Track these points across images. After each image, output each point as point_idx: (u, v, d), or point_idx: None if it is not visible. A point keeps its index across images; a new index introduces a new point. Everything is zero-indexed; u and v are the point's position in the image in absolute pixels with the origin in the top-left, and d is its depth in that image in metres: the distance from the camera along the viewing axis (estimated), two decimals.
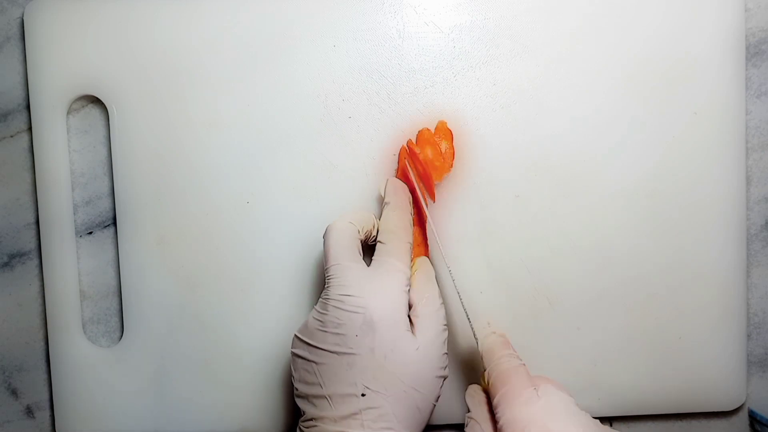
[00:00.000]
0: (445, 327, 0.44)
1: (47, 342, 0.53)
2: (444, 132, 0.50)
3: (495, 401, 0.41)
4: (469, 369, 0.51)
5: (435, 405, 0.43)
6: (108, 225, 0.53)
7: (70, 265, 0.52)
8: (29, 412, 0.54)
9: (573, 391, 0.51)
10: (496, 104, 0.51)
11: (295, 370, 0.43)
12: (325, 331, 0.41)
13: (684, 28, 0.51)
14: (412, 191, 0.48)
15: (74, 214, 0.52)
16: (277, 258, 0.51)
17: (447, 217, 0.51)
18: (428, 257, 0.49)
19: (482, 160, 0.51)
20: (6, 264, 0.54)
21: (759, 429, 0.53)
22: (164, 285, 0.52)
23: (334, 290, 0.42)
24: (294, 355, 0.43)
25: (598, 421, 0.41)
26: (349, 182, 0.51)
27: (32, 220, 0.53)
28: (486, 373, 0.43)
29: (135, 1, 0.51)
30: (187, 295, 0.52)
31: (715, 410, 0.53)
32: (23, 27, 0.51)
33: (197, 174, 0.51)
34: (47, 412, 0.54)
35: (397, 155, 0.51)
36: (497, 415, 0.41)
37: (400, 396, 0.41)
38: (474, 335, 0.47)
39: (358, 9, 0.50)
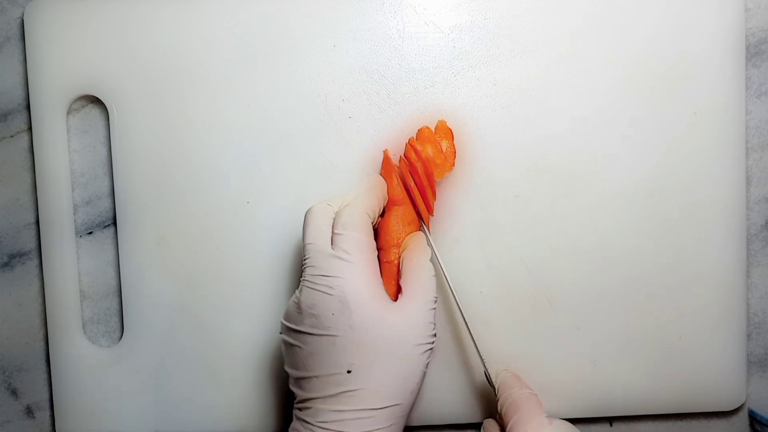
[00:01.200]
0: (435, 298, 0.43)
1: (47, 342, 0.53)
2: (444, 131, 0.50)
3: (508, 428, 0.42)
4: (478, 384, 0.52)
5: (425, 372, 0.42)
6: (108, 225, 0.53)
7: (70, 265, 0.52)
8: (29, 412, 0.54)
9: (573, 391, 0.52)
10: (496, 104, 0.51)
11: (285, 355, 0.43)
12: (302, 313, 0.41)
13: (684, 28, 0.51)
14: (413, 200, 0.48)
15: (74, 214, 0.52)
16: (277, 258, 0.51)
17: (447, 217, 0.51)
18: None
19: (482, 160, 0.51)
20: (6, 264, 0.54)
21: (759, 429, 0.53)
22: (164, 285, 0.51)
23: (307, 271, 0.42)
24: (283, 341, 0.43)
25: None
26: (349, 182, 0.51)
27: (32, 220, 0.53)
28: (499, 403, 0.44)
29: (135, 1, 0.51)
30: (187, 295, 0.52)
31: (715, 410, 0.53)
32: (23, 27, 0.51)
33: (197, 174, 0.51)
34: (47, 412, 0.54)
35: (397, 156, 0.51)
36: None
37: (387, 367, 0.41)
38: (485, 372, 0.48)
39: (358, 9, 0.50)
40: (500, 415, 0.44)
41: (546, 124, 0.51)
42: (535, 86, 0.51)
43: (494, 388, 0.47)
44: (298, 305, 0.42)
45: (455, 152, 0.50)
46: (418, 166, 0.48)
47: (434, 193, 0.49)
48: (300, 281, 0.43)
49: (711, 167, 0.51)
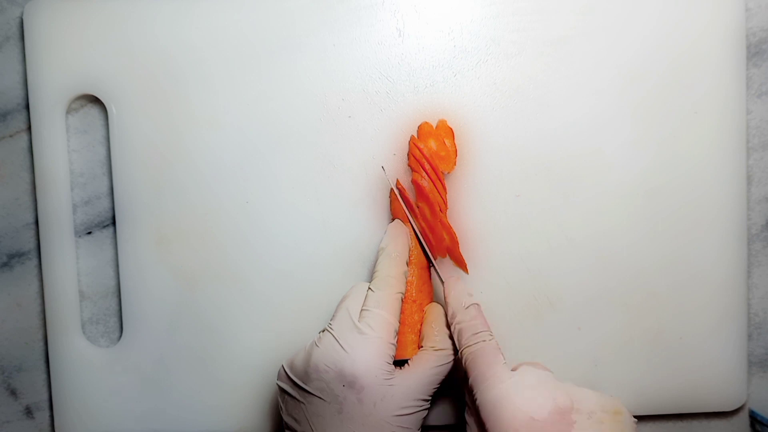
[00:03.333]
0: (437, 379, 0.45)
1: (46, 342, 0.53)
2: (445, 130, 0.50)
3: (468, 385, 0.42)
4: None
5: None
6: (107, 225, 0.53)
7: (70, 265, 0.52)
8: (28, 412, 0.54)
9: None
10: (496, 103, 0.51)
11: (282, 402, 0.44)
12: (310, 374, 0.43)
13: (684, 27, 0.51)
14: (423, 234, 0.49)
15: (73, 213, 0.52)
16: (276, 258, 0.51)
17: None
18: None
19: (482, 159, 0.51)
20: (5, 264, 0.54)
21: (759, 429, 0.53)
22: (163, 285, 0.51)
23: (329, 332, 0.44)
24: (280, 389, 0.44)
25: (585, 388, 0.42)
26: (349, 181, 0.51)
27: (31, 220, 0.53)
28: (460, 354, 0.44)
29: (134, 1, 0.51)
30: (187, 295, 0.51)
31: (716, 410, 0.53)
32: (22, 26, 0.51)
33: (197, 173, 0.51)
34: (46, 413, 0.54)
35: (397, 155, 0.50)
36: (474, 401, 0.42)
37: None
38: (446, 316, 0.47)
39: (358, 8, 0.50)
40: (463, 364, 0.44)
41: (546, 124, 0.51)
42: (535, 85, 0.51)
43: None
44: (307, 363, 0.43)
45: (456, 151, 0.50)
46: (423, 162, 0.48)
47: (444, 187, 0.49)
48: (314, 339, 0.44)
49: (711, 167, 0.51)
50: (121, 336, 0.52)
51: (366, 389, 0.42)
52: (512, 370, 0.42)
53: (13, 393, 0.54)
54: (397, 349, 0.45)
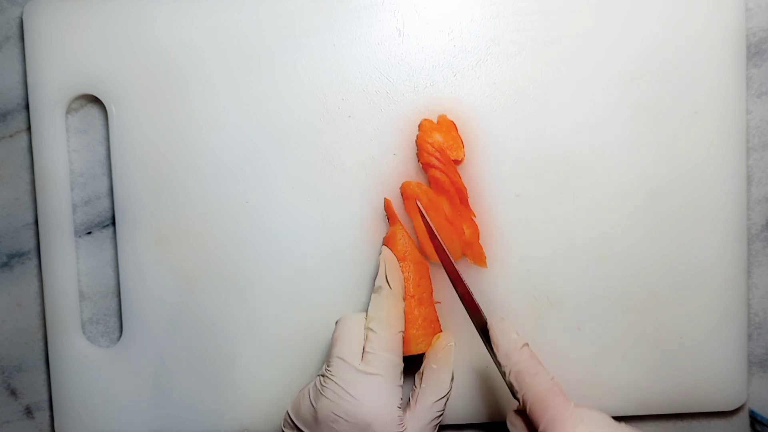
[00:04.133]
0: (440, 415, 0.46)
1: (46, 342, 0.53)
2: (447, 124, 0.50)
3: (541, 429, 0.41)
4: (479, 373, 0.51)
5: None
6: (107, 225, 0.53)
7: (69, 265, 0.52)
8: (28, 412, 0.54)
9: (574, 391, 0.51)
10: (496, 103, 0.51)
11: None
12: (319, 423, 0.43)
13: (684, 27, 0.51)
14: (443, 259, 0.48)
15: (73, 214, 0.52)
16: (276, 257, 0.51)
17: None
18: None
19: (482, 159, 0.51)
20: (5, 264, 0.54)
21: (759, 429, 0.53)
22: (163, 285, 0.51)
23: (331, 380, 0.43)
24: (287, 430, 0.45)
25: (637, 430, 0.42)
26: (348, 181, 0.51)
27: (31, 220, 0.53)
28: (521, 396, 0.43)
29: (134, 1, 0.51)
30: (187, 295, 0.51)
31: (716, 410, 0.53)
32: (22, 27, 0.51)
33: (197, 173, 0.51)
34: (46, 413, 0.54)
35: (397, 154, 0.50)
36: None
37: None
38: (495, 359, 0.45)
39: (358, 8, 0.50)
40: (524, 406, 0.43)
41: (546, 124, 0.51)
42: (535, 85, 0.50)
43: (490, 347, 0.45)
44: (314, 413, 0.43)
45: (462, 142, 0.50)
46: (437, 155, 0.48)
47: (460, 176, 0.49)
48: (316, 384, 0.44)
49: (711, 167, 0.51)
50: (121, 336, 0.52)
51: None
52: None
53: (13, 393, 0.54)
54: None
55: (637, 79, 0.51)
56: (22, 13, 0.52)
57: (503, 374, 0.44)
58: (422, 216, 0.49)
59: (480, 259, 0.50)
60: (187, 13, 0.51)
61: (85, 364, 0.52)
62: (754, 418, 0.54)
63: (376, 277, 0.47)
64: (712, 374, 0.52)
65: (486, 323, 0.46)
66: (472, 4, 0.50)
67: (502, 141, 0.51)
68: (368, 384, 0.43)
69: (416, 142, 0.50)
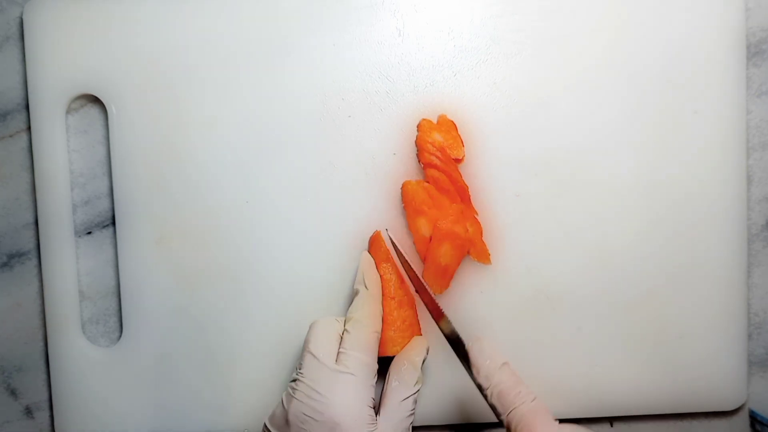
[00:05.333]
0: (411, 414, 0.45)
1: (46, 342, 0.53)
2: (447, 124, 0.50)
3: None
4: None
5: None
6: (107, 225, 0.53)
7: (69, 265, 0.52)
8: (28, 412, 0.54)
9: (573, 391, 0.51)
10: (496, 103, 0.51)
11: None
12: (291, 425, 0.42)
13: (684, 27, 0.51)
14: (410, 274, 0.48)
15: (73, 214, 0.52)
16: (276, 257, 0.51)
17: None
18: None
19: (482, 159, 0.51)
20: (5, 264, 0.54)
21: (759, 429, 0.53)
22: (163, 285, 0.51)
23: (302, 382, 0.43)
24: None
25: None
26: (348, 181, 0.51)
27: (31, 220, 0.53)
28: (504, 418, 0.42)
29: (134, 1, 0.51)
30: (187, 295, 0.51)
31: (716, 410, 0.53)
32: (22, 26, 0.51)
33: (197, 173, 0.51)
34: (46, 413, 0.54)
35: (397, 154, 0.50)
36: None
37: None
38: (475, 382, 0.44)
39: (358, 8, 0.50)
40: (508, 428, 0.42)
41: (546, 124, 0.51)
42: (535, 85, 0.50)
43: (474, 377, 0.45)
44: (286, 416, 0.43)
45: (462, 142, 0.50)
46: (438, 154, 0.48)
47: (460, 175, 0.49)
48: (288, 389, 0.44)
49: (711, 167, 0.51)
50: (121, 336, 0.52)
51: None
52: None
53: (13, 393, 0.54)
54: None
55: (637, 79, 0.51)
56: (22, 13, 0.52)
57: (485, 396, 0.43)
58: (395, 248, 0.49)
59: (484, 256, 0.50)
60: (187, 13, 0.50)
61: (85, 364, 0.52)
62: (754, 418, 0.54)
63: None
64: (712, 374, 0.52)
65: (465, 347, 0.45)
66: (472, 4, 0.50)
67: (502, 140, 0.51)
68: (338, 382, 0.43)
69: (416, 142, 0.50)
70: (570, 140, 0.51)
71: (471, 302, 0.51)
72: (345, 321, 0.46)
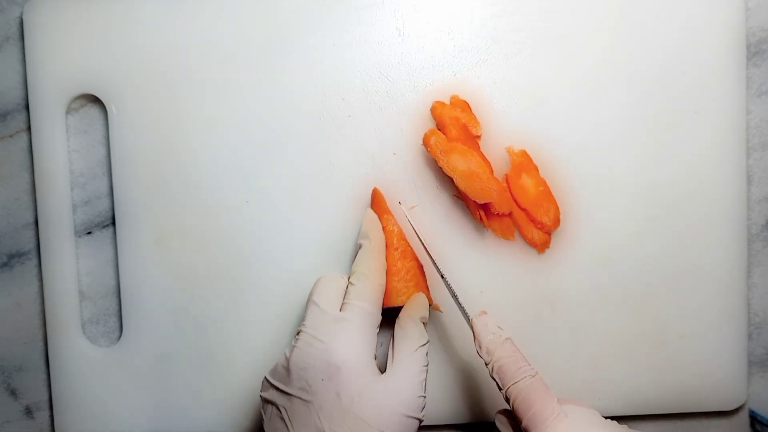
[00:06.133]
0: (424, 368, 0.44)
1: (46, 342, 0.53)
2: (460, 104, 0.50)
3: (524, 425, 0.41)
4: (469, 372, 0.51)
5: None
6: (107, 225, 0.53)
7: (69, 265, 0.52)
8: (28, 412, 0.54)
9: (573, 391, 0.51)
10: (496, 103, 0.51)
11: (265, 414, 0.44)
12: (290, 374, 0.42)
13: (684, 27, 0.50)
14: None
15: (73, 214, 0.52)
16: (276, 257, 0.51)
17: (446, 216, 0.51)
18: (427, 292, 0.49)
19: None
20: (5, 264, 0.54)
21: (760, 429, 0.53)
22: (163, 285, 0.51)
23: (304, 332, 0.43)
24: (264, 400, 0.44)
25: (625, 426, 0.42)
26: (348, 181, 0.51)
27: (31, 220, 0.53)
28: (504, 392, 0.42)
29: (134, 1, 0.51)
30: (187, 295, 0.51)
31: (716, 410, 0.53)
32: (22, 26, 0.51)
33: (196, 173, 0.51)
34: (47, 412, 0.54)
35: (397, 154, 0.51)
36: None
37: None
38: (475, 341, 0.44)
39: (358, 8, 0.50)
40: (511, 405, 0.42)
41: (546, 124, 0.51)
42: (535, 86, 0.50)
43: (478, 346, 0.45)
44: (287, 365, 0.42)
45: (478, 122, 0.50)
46: (453, 127, 0.48)
47: (482, 152, 0.49)
48: (293, 341, 0.44)
49: (711, 167, 0.51)
50: (121, 336, 0.52)
51: (344, 380, 0.41)
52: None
53: (13, 393, 0.54)
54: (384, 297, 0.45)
55: (637, 79, 0.51)
56: (22, 13, 0.52)
57: (489, 370, 0.43)
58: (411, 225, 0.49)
59: (509, 232, 0.50)
60: (187, 13, 0.51)
61: (85, 364, 0.52)
62: (754, 418, 0.54)
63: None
64: (712, 374, 0.52)
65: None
66: (472, 4, 0.50)
67: (502, 141, 0.51)
68: (340, 329, 0.42)
69: (436, 124, 0.49)
70: (570, 140, 0.51)
71: (471, 302, 0.51)
72: (350, 274, 0.46)
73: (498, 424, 0.45)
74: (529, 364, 0.43)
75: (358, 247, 0.48)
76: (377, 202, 0.50)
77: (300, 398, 0.41)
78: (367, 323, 0.44)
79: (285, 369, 0.43)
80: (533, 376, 0.42)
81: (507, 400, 0.42)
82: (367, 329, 0.43)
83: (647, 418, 0.53)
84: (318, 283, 0.46)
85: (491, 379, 0.43)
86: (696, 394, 0.52)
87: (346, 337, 0.42)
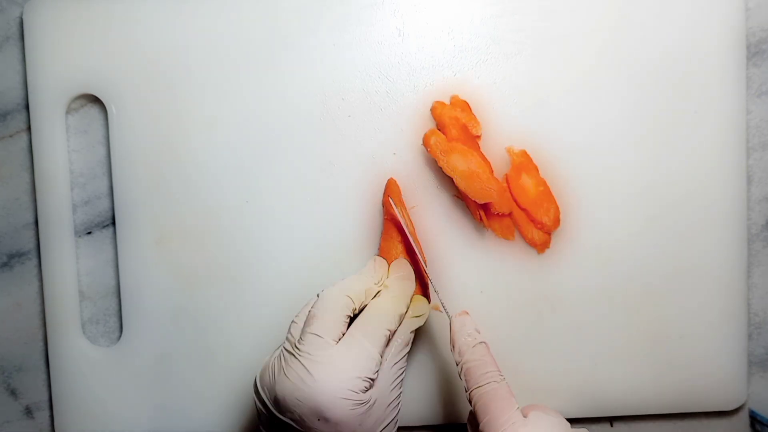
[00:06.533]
0: (398, 385, 0.44)
1: (46, 342, 0.53)
2: (460, 104, 0.50)
3: (480, 429, 0.41)
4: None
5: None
6: (107, 225, 0.53)
7: (69, 265, 0.52)
8: (29, 412, 0.54)
9: (573, 391, 0.51)
10: (496, 103, 0.51)
11: (259, 414, 0.43)
12: (283, 408, 0.41)
13: (684, 27, 0.50)
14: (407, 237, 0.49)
15: (73, 214, 0.52)
16: (276, 257, 0.51)
17: (446, 216, 0.51)
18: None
19: None
20: (5, 264, 0.54)
21: (759, 429, 0.53)
22: (163, 285, 0.51)
23: (295, 364, 0.42)
24: (257, 400, 0.43)
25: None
26: (348, 181, 0.51)
27: (31, 220, 0.53)
28: (468, 395, 0.42)
29: (134, 1, 0.51)
30: (187, 295, 0.51)
31: (716, 410, 0.53)
32: (22, 26, 0.51)
33: (196, 173, 0.51)
34: (47, 412, 0.54)
35: (397, 154, 0.51)
36: None
37: None
38: (451, 346, 0.45)
39: (358, 8, 0.50)
40: (472, 408, 0.42)
41: (546, 124, 0.51)
42: (535, 86, 0.50)
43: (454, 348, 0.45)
44: (274, 391, 0.42)
45: (479, 121, 0.50)
46: (452, 126, 0.48)
47: (482, 152, 0.49)
48: (287, 351, 0.43)
49: (711, 167, 0.51)
50: (121, 336, 0.52)
51: (341, 423, 0.41)
52: (523, 415, 0.41)
53: (13, 393, 0.54)
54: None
55: (637, 79, 0.51)
56: (22, 13, 0.52)
57: (458, 371, 0.44)
58: (397, 216, 0.49)
59: (509, 232, 0.50)
60: (187, 13, 0.51)
61: (85, 364, 0.52)
62: (754, 418, 0.54)
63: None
64: (712, 374, 0.52)
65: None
66: (472, 4, 0.50)
67: (501, 141, 0.51)
68: (330, 370, 0.41)
69: (435, 120, 0.50)
70: (570, 140, 0.51)
71: (471, 302, 0.51)
72: (367, 305, 0.45)
73: (468, 426, 0.45)
74: (498, 370, 0.43)
75: (383, 286, 0.47)
76: (392, 190, 0.49)
77: (297, 428, 0.41)
78: (365, 367, 0.42)
79: (273, 394, 0.42)
80: (498, 382, 0.42)
81: (470, 402, 0.42)
82: (364, 373, 0.42)
83: (647, 418, 0.53)
84: (321, 304, 0.44)
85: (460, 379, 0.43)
86: (696, 394, 0.52)
87: (337, 383, 0.41)
